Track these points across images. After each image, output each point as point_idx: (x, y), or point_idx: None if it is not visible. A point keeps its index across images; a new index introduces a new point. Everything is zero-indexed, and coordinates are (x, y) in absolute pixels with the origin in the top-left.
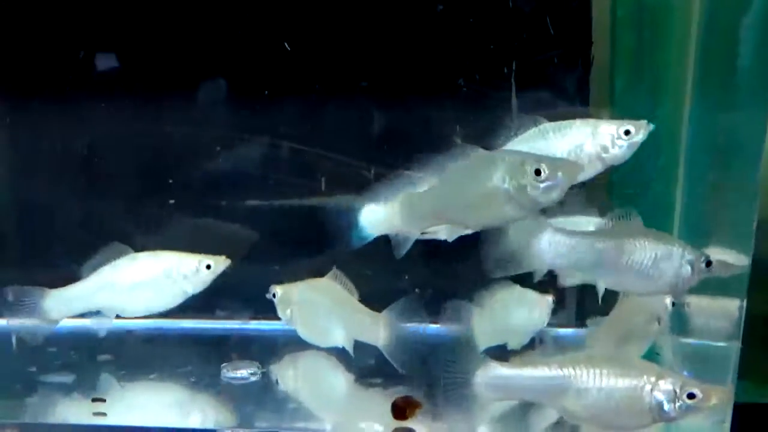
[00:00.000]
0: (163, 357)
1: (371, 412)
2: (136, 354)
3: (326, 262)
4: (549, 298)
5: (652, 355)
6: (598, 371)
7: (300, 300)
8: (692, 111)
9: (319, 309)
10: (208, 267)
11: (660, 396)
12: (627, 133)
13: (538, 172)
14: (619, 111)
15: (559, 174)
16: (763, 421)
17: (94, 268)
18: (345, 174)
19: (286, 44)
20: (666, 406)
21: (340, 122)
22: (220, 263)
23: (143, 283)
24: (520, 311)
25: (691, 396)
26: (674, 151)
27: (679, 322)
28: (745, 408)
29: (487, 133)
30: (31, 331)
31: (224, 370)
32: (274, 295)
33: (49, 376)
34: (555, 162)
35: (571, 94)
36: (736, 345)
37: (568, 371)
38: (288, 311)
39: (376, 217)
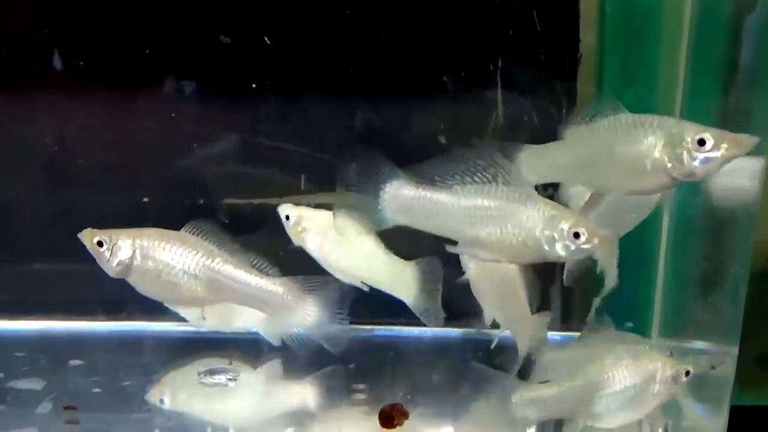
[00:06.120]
0: (136, 362)
1: None
2: (108, 359)
3: None
4: None
5: None
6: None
7: None
8: (683, 108)
9: None
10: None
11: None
12: None
13: (701, 143)
14: None
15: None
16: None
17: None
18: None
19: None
20: None
21: (323, 120)
22: None
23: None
24: None
25: None
26: None
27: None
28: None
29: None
30: None
31: (201, 376)
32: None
33: (17, 382)
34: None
35: (558, 92)
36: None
37: (599, 377)
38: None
39: None
